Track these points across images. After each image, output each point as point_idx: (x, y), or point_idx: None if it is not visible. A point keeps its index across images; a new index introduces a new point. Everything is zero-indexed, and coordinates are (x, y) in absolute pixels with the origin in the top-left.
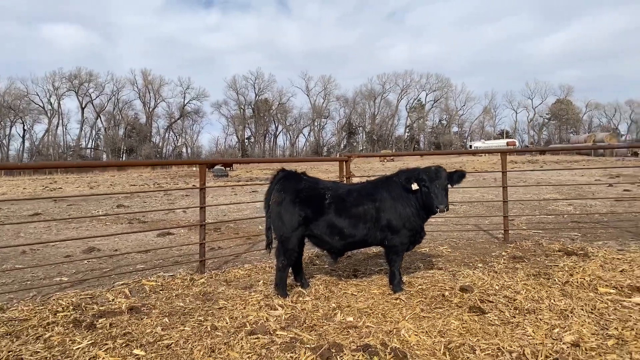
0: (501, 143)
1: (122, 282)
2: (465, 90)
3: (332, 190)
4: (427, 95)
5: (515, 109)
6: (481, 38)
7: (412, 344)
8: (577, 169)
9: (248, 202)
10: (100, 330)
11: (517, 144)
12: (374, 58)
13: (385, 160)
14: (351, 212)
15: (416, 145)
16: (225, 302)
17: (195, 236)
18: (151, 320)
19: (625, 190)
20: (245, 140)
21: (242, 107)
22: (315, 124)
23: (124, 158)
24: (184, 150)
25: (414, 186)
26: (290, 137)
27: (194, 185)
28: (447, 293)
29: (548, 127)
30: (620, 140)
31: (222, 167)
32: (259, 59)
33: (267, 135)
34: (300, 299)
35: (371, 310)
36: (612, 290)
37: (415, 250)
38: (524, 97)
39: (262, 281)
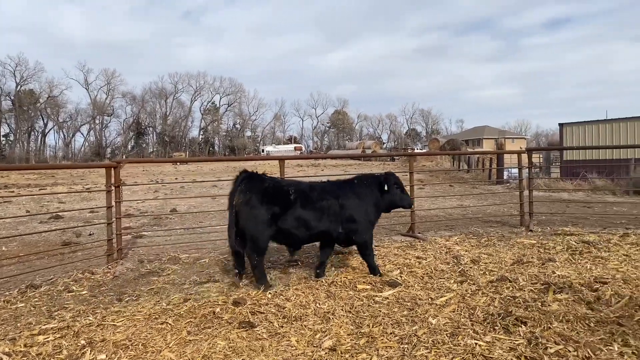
0: (290, 148)
1: None
2: (258, 97)
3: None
4: (221, 98)
5: (302, 117)
6: (274, 48)
7: None
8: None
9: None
10: None
11: (304, 148)
12: (168, 56)
13: (179, 164)
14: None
15: (211, 148)
16: None
17: None
18: None
19: None
20: (3, 139)
21: None
22: (97, 121)
23: None
24: None
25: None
26: (65, 135)
27: None
28: (218, 309)
29: (328, 134)
30: (383, 148)
31: None
32: (23, 43)
33: (32, 132)
34: (40, 339)
35: (130, 341)
36: (368, 287)
37: (195, 262)
38: (309, 106)
39: None
